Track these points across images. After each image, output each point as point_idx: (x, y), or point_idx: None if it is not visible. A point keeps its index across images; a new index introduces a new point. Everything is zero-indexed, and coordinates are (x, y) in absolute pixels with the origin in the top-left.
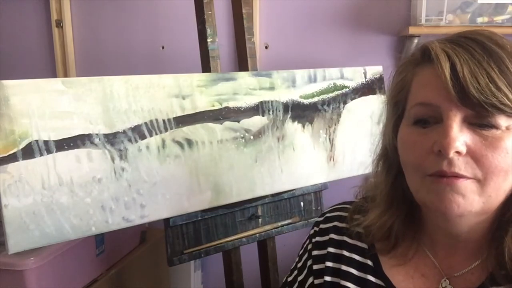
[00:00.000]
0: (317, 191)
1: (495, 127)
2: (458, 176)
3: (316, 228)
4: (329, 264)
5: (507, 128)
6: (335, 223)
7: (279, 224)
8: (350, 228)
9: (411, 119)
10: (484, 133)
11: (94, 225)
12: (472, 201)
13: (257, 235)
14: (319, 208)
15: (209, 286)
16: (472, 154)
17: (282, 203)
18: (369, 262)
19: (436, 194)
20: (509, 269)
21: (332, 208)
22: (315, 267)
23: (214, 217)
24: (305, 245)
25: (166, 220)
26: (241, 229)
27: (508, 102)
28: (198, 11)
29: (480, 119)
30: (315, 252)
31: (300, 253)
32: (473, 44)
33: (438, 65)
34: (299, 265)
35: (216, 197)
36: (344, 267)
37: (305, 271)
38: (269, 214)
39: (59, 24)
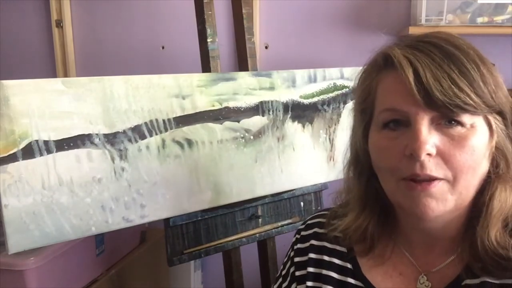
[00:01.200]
0: (317, 191)
1: (461, 124)
2: (430, 178)
3: (297, 236)
4: (310, 269)
5: (472, 126)
6: (315, 229)
7: (279, 224)
8: (328, 233)
9: (380, 124)
10: (451, 132)
11: (94, 225)
12: (445, 202)
13: (257, 235)
14: (319, 208)
15: (209, 286)
16: (442, 155)
17: (282, 203)
18: (349, 265)
19: (411, 199)
20: (483, 260)
21: (313, 215)
22: (297, 273)
23: (214, 217)
24: (288, 253)
25: (166, 220)
26: (241, 229)
27: (471, 102)
28: (198, 11)
29: (445, 118)
30: (297, 259)
31: (284, 261)
32: (432, 48)
33: (402, 72)
34: (283, 272)
35: (216, 197)
36: (324, 272)
37: (289, 278)
38: (269, 214)
39: (59, 24)
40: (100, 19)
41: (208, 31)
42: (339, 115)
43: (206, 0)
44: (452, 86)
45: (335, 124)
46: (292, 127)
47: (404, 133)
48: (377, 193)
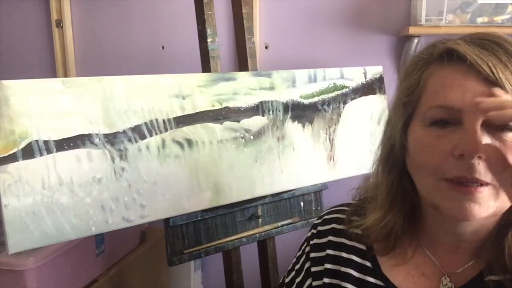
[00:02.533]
0: (317, 191)
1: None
2: (478, 181)
3: (313, 230)
4: (328, 266)
5: None
6: (333, 225)
7: (279, 224)
8: (348, 230)
9: (428, 121)
10: (502, 136)
11: (94, 225)
12: (487, 208)
13: (257, 235)
14: (319, 208)
15: (209, 286)
16: (490, 159)
17: (282, 203)
18: (368, 264)
19: (452, 201)
20: (508, 264)
21: (330, 210)
22: (313, 269)
23: (214, 217)
24: (303, 247)
25: (166, 220)
26: (241, 229)
27: None
28: (198, 11)
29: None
30: (313, 254)
31: (298, 254)
32: (496, 47)
33: (476, 66)
34: (296, 266)
35: (216, 197)
36: (343, 269)
37: (303, 273)
38: (269, 214)
39: (59, 24)
40: (100, 19)
41: (208, 31)
42: (339, 115)
43: (206, 0)
44: None
45: (335, 124)
46: (292, 127)
47: (453, 132)
48: (407, 191)
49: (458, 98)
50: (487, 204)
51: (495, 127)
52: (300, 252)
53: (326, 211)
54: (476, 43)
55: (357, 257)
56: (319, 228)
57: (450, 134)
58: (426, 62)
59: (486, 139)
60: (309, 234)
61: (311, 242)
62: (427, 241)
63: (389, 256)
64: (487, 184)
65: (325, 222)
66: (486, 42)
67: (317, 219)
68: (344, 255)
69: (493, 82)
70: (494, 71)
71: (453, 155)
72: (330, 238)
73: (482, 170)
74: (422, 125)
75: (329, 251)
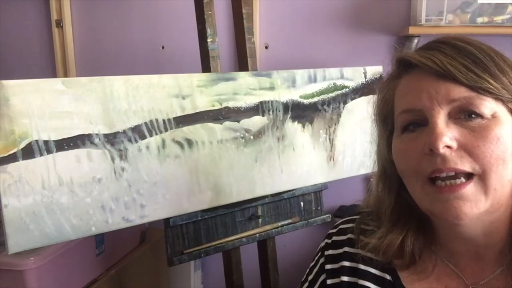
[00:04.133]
0: (317, 191)
1: (480, 116)
2: (456, 171)
3: (328, 240)
4: (344, 278)
5: (493, 116)
6: (349, 235)
7: (279, 224)
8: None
9: (399, 129)
10: (470, 124)
11: (94, 225)
12: (478, 204)
13: (257, 235)
14: (319, 208)
15: (209, 286)
16: (464, 147)
17: (282, 203)
18: (388, 277)
19: (441, 203)
20: None
21: (347, 219)
22: (329, 281)
23: (214, 217)
24: (316, 258)
25: (166, 220)
26: (241, 229)
27: (491, 86)
28: (198, 11)
29: (463, 112)
30: (328, 266)
31: (311, 265)
32: (443, 45)
33: (423, 67)
34: (310, 277)
35: (216, 197)
36: (361, 281)
37: (317, 286)
38: (269, 214)
39: (59, 24)
40: (100, 19)
41: (208, 31)
42: (339, 115)
43: (206, 0)
44: (470, 73)
45: (335, 124)
46: (292, 127)
47: (423, 132)
48: (410, 206)
49: (416, 99)
50: (476, 199)
51: (463, 117)
52: (313, 263)
53: (342, 220)
54: (423, 48)
55: (375, 269)
56: (334, 238)
57: (420, 135)
58: (391, 78)
59: (454, 130)
60: (323, 244)
61: (326, 253)
62: (446, 252)
63: (410, 271)
64: (469, 176)
65: (341, 232)
66: (432, 44)
67: (332, 229)
68: (362, 266)
69: (445, 76)
70: (442, 65)
71: (425, 153)
72: (346, 249)
73: (457, 160)
74: (398, 134)
75: (345, 263)
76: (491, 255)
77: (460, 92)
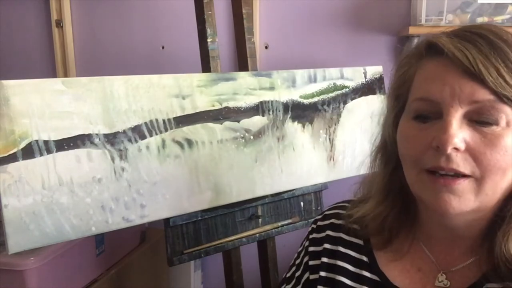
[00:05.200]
0: (317, 191)
1: (495, 123)
2: (456, 172)
3: (313, 226)
4: (324, 259)
5: (507, 125)
6: (332, 220)
7: (279, 224)
8: (346, 225)
9: (411, 114)
10: (484, 130)
11: (94, 225)
12: (468, 201)
13: (257, 235)
14: (319, 208)
15: (209, 286)
16: (471, 151)
17: (282, 203)
18: (365, 258)
19: (432, 193)
20: (502, 267)
21: (332, 206)
22: (311, 263)
23: (214, 217)
24: (303, 242)
25: (166, 220)
26: (241, 229)
27: None
28: (198, 11)
29: (480, 115)
30: (311, 248)
31: (299, 250)
32: (479, 39)
33: (454, 59)
34: (297, 261)
35: (216, 197)
36: (339, 263)
37: (302, 267)
38: (269, 214)
39: (59, 24)
40: (100, 19)
41: (208, 31)
42: (339, 115)
43: (206, 0)
44: (499, 78)
45: (335, 124)
46: (292, 127)
47: (434, 125)
48: (401, 185)
49: (437, 90)
50: (466, 197)
51: (478, 121)
52: (301, 248)
53: (328, 207)
54: (458, 35)
55: (354, 252)
56: (319, 223)
57: (431, 127)
58: (414, 56)
59: (466, 132)
60: (310, 229)
61: (310, 237)
62: (424, 235)
63: (386, 251)
64: (466, 176)
65: (325, 217)
66: (469, 34)
67: (319, 215)
68: (341, 249)
69: (473, 74)
70: (474, 63)
71: (432, 147)
72: (328, 232)
73: (460, 162)
74: (407, 118)
75: (327, 245)
76: (466, 244)
77: (484, 95)
